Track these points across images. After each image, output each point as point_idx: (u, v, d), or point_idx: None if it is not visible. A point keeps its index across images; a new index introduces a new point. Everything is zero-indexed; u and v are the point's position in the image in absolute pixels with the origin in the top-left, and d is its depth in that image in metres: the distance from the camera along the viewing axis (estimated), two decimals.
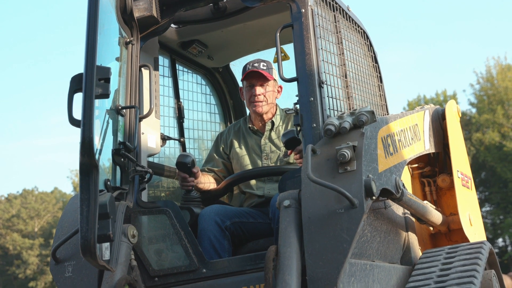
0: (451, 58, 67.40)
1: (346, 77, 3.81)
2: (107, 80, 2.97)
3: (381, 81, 4.55)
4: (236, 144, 4.53)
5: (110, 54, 3.72)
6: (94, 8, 2.97)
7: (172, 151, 4.72)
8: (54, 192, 51.94)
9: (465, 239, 4.68)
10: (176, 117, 4.88)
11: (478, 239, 4.83)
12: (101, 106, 3.50)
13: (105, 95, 2.98)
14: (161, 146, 4.30)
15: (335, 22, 3.90)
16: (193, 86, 5.11)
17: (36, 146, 76.30)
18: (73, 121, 3.01)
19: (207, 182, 4.39)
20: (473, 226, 4.84)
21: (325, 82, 3.56)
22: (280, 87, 4.51)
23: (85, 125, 2.83)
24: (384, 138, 3.53)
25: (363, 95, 4.06)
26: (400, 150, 3.76)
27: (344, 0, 4.14)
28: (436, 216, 4.41)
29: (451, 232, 4.92)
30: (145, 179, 3.77)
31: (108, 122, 3.61)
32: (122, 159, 3.70)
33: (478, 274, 3.62)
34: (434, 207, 4.58)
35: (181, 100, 4.92)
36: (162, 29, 4.02)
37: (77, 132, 2.87)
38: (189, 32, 4.64)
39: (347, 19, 4.11)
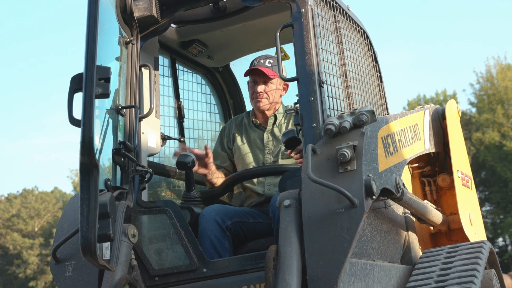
0: (451, 58, 67.45)
1: (346, 77, 3.81)
2: (107, 80, 2.97)
3: (381, 81, 4.55)
4: (238, 137, 4.54)
5: (110, 54, 3.72)
6: (94, 7, 2.97)
7: (172, 150, 4.72)
8: (54, 191, 51.94)
9: (465, 239, 4.68)
10: (176, 117, 4.88)
11: (478, 238, 4.83)
12: (101, 106, 3.50)
13: (105, 95, 2.98)
14: (161, 145, 4.30)
15: (335, 22, 3.90)
16: (193, 85, 5.11)
17: (36, 145, 76.35)
18: (73, 121, 3.01)
19: (220, 177, 4.43)
20: (473, 225, 4.84)
21: (325, 82, 3.56)
22: (286, 84, 4.49)
23: (85, 124, 2.82)
24: (384, 138, 3.53)
25: (363, 94, 4.06)
26: (400, 150, 3.76)
27: (344, 0, 4.14)
28: (436, 216, 4.41)
29: (451, 231, 4.92)
30: (145, 179, 3.77)
31: (108, 122, 3.61)
32: (122, 159, 3.70)
33: (479, 274, 3.62)
34: (434, 206, 4.58)
35: (181, 100, 4.93)
36: (162, 28, 4.02)
37: (77, 131, 2.87)
38: (189, 32, 4.64)
39: (347, 19, 4.11)
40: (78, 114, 2.92)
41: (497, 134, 33.13)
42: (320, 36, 3.64)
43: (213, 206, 4.04)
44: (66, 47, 74.02)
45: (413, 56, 72.50)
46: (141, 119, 3.90)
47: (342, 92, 3.75)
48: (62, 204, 48.77)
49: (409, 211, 4.13)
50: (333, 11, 3.91)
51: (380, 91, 4.49)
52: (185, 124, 4.93)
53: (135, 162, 3.72)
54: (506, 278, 7.98)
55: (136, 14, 3.89)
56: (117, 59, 3.84)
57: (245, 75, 4.45)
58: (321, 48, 3.61)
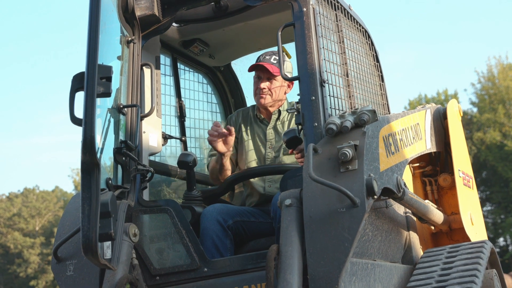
0: (452, 57, 67.42)
1: (347, 76, 3.81)
2: (109, 79, 2.97)
3: (382, 80, 4.54)
4: (243, 129, 4.52)
5: (111, 53, 3.73)
6: (95, 7, 2.97)
7: (173, 150, 4.73)
8: (55, 191, 51.96)
9: (466, 239, 4.67)
10: (177, 116, 4.88)
11: (479, 238, 4.82)
12: (103, 105, 3.50)
13: (107, 94, 2.98)
14: (163, 145, 4.31)
15: (337, 21, 3.90)
16: (194, 85, 5.12)
17: (37, 144, 76.37)
18: (75, 120, 3.01)
19: (231, 165, 4.41)
20: (474, 225, 4.84)
21: (327, 81, 3.56)
22: (292, 81, 4.45)
23: (87, 123, 2.83)
24: (386, 137, 3.53)
25: (365, 94, 4.05)
26: (401, 149, 3.76)
27: None
28: (437, 216, 4.41)
29: (452, 231, 4.91)
30: (147, 178, 3.77)
31: (109, 121, 3.62)
32: (123, 158, 3.70)
33: (479, 274, 3.62)
34: (436, 206, 4.58)
35: (182, 99, 4.93)
36: (163, 27, 4.02)
37: (78, 130, 2.87)
38: (190, 31, 4.64)
39: (348, 18, 4.11)
40: (79, 113, 2.92)
41: (498, 134, 33.12)
42: (322, 36, 3.63)
43: (214, 206, 4.04)
44: (67, 46, 74.09)
45: (415, 56, 72.52)
46: (142, 118, 3.90)
47: (344, 92, 3.75)
48: (63, 203, 48.79)
49: (410, 211, 4.13)
50: (335, 10, 3.91)
51: (381, 90, 4.49)
52: (187, 123, 4.93)
53: (136, 161, 3.72)
54: (507, 278, 7.97)
55: (138, 13, 3.89)
56: (119, 58, 3.84)
57: (249, 70, 4.43)
58: (323, 47, 3.61)
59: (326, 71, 3.58)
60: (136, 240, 3.51)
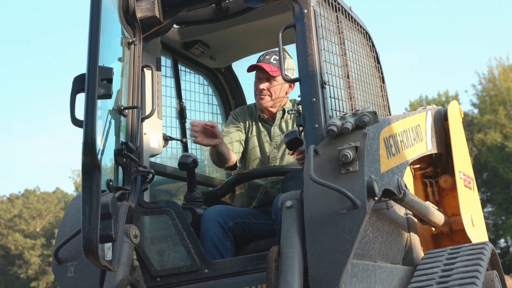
0: (453, 59, 67.42)
1: (348, 78, 3.81)
2: (110, 81, 2.97)
3: (383, 82, 4.54)
4: (248, 126, 4.48)
5: (112, 55, 3.73)
6: (96, 8, 2.97)
7: (174, 151, 4.73)
8: (56, 192, 51.97)
9: (467, 240, 4.67)
10: (178, 118, 4.88)
11: (480, 239, 4.82)
12: (104, 107, 3.50)
13: (108, 96, 2.98)
14: (163, 146, 4.30)
15: (338, 23, 3.90)
16: (195, 86, 5.11)
17: (38, 146, 76.40)
18: (76, 122, 3.01)
19: (228, 149, 4.26)
20: (475, 226, 4.84)
21: (327, 83, 3.56)
22: None
23: (88, 125, 2.83)
24: (387, 139, 3.53)
25: (365, 95, 4.05)
26: (402, 151, 3.76)
27: (347, 1, 4.14)
28: (438, 217, 4.41)
29: (453, 232, 4.91)
30: (147, 180, 3.77)
31: (110, 123, 3.62)
32: (124, 160, 3.70)
33: (480, 275, 3.62)
34: (436, 207, 4.58)
35: (183, 101, 4.92)
36: (164, 29, 4.03)
37: (79, 132, 2.88)
38: (191, 33, 4.64)
39: (349, 20, 4.11)
40: (80, 114, 2.92)
41: (499, 135, 33.10)
42: (323, 37, 3.63)
43: (215, 207, 4.04)
44: (68, 47, 74.13)
45: (415, 57, 72.51)
46: (143, 119, 3.90)
47: (344, 93, 3.75)
48: (64, 204, 48.80)
49: (411, 212, 4.13)
50: (336, 12, 3.91)
51: (382, 92, 4.49)
52: (187, 124, 4.92)
53: (137, 163, 3.72)
54: (508, 279, 7.96)
55: (139, 14, 3.89)
56: (120, 59, 3.84)
57: (248, 70, 4.41)
58: (323, 49, 3.61)
59: (327, 72, 3.58)
60: (136, 241, 3.51)
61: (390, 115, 4.45)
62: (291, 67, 4.40)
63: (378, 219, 3.68)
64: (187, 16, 4.30)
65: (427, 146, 4.41)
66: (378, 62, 4.53)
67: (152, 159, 4.17)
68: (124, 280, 3.29)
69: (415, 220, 4.31)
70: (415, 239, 4.21)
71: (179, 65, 4.89)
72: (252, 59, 5.12)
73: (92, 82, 2.88)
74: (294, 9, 3.64)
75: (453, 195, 4.90)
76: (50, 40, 76.36)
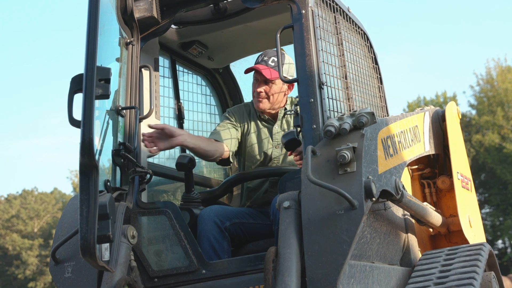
0: (451, 60, 67.49)
1: (346, 79, 3.81)
2: (107, 81, 2.97)
3: (381, 83, 4.54)
4: (246, 125, 4.42)
5: (110, 55, 3.72)
6: (94, 8, 2.97)
7: (172, 152, 4.72)
8: (53, 192, 51.94)
9: (465, 241, 4.67)
10: (176, 118, 4.88)
11: (477, 240, 4.82)
12: (101, 107, 3.50)
13: (105, 96, 2.98)
14: None
15: (336, 23, 3.90)
16: (193, 87, 5.11)
17: (36, 146, 76.35)
18: (73, 122, 3.01)
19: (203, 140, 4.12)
20: (473, 227, 4.84)
21: (325, 83, 3.55)
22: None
23: (85, 125, 2.83)
24: (384, 140, 3.53)
25: (363, 96, 4.05)
26: (400, 152, 3.76)
27: (345, 1, 4.14)
28: (435, 218, 4.41)
29: (450, 233, 4.91)
30: (145, 180, 3.77)
31: (108, 123, 3.61)
32: (122, 160, 3.70)
33: (478, 276, 3.62)
34: (434, 208, 4.58)
35: (181, 101, 4.92)
36: (162, 29, 4.02)
37: (77, 132, 2.88)
38: (189, 33, 4.64)
39: (347, 20, 4.11)
40: (78, 115, 2.92)
41: (497, 136, 33.13)
42: (321, 38, 3.63)
43: (212, 207, 4.03)
44: (66, 48, 74.08)
45: (413, 58, 72.58)
46: (141, 120, 3.89)
47: (342, 94, 3.75)
48: (62, 205, 48.75)
49: (408, 213, 4.13)
50: (334, 12, 3.91)
51: (380, 92, 4.49)
52: (185, 125, 4.92)
53: (134, 163, 3.72)
54: (505, 280, 7.97)
55: (137, 15, 3.89)
56: (117, 60, 3.84)
57: (245, 72, 4.37)
58: (321, 49, 3.61)
59: (324, 73, 3.58)
60: (134, 242, 3.51)
61: (388, 116, 4.45)
62: (291, 61, 4.31)
63: (375, 220, 3.68)
64: (185, 16, 4.30)
65: (425, 147, 4.41)
66: (376, 63, 4.53)
67: (150, 160, 4.16)
68: (121, 280, 3.29)
69: (413, 221, 4.31)
70: (412, 240, 4.21)
71: (177, 66, 4.89)
72: (250, 60, 5.12)
73: (90, 82, 2.87)
74: (292, 9, 3.64)
75: (451, 196, 4.90)
76: (48, 41, 76.33)
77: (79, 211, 2.84)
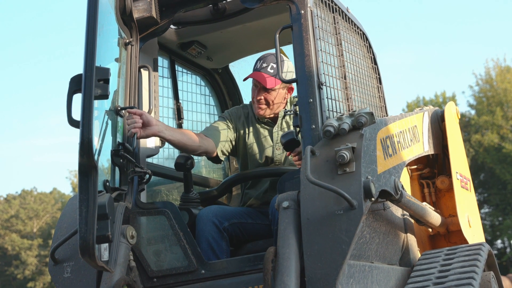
0: (450, 60, 67.53)
1: (345, 79, 3.81)
2: (106, 81, 2.97)
3: (380, 83, 4.54)
4: (245, 128, 4.39)
5: (109, 55, 3.72)
6: (93, 9, 2.97)
7: (171, 152, 4.72)
8: (53, 192, 51.93)
9: (464, 241, 4.67)
10: (175, 118, 4.88)
11: (477, 240, 4.82)
12: (100, 107, 3.50)
13: (104, 96, 2.98)
14: (160, 147, 4.29)
15: (335, 24, 3.90)
16: (192, 87, 5.11)
17: (35, 146, 76.33)
18: (72, 122, 3.01)
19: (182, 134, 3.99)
20: (472, 227, 4.84)
21: (324, 84, 3.56)
22: (292, 86, 4.30)
23: (84, 126, 2.83)
24: (383, 140, 3.53)
25: (362, 96, 4.05)
26: (399, 152, 3.76)
27: (344, 2, 4.14)
28: (435, 218, 4.41)
29: (450, 233, 4.91)
30: (144, 180, 3.77)
31: (107, 123, 3.61)
32: (121, 160, 3.70)
33: (477, 276, 3.62)
34: (433, 208, 4.58)
35: (180, 101, 4.92)
36: (161, 30, 4.02)
37: (76, 133, 2.88)
38: (188, 33, 4.64)
39: (346, 21, 4.11)
40: (77, 115, 2.92)
41: (496, 136, 33.12)
42: (320, 38, 3.63)
43: (210, 207, 4.03)
44: (65, 48, 74.07)
45: (413, 58, 72.61)
46: None
47: (341, 94, 3.75)
48: (61, 205, 48.74)
49: (407, 213, 4.13)
50: (333, 12, 3.91)
51: (379, 93, 4.49)
52: (184, 125, 4.92)
53: (134, 163, 3.72)
54: (504, 280, 7.98)
55: (136, 15, 3.88)
56: (116, 60, 3.84)
57: (244, 80, 4.35)
58: (320, 49, 3.61)
59: (324, 73, 3.58)
60: (133, 242, 3.51)
61: (387, 116, 4.45)
62: (291, 69, 4.28)
63: (375, 220, 3.68)
64: (184, 16, 4.30)
65: (424, 147, 4.41)
66: (375, 63, 4.53)
67: (149, 160, 4.16)
68: (120, 280, 3.29)
69: (412, 221, 4.31)
70: (411, 240, 4.21)
71: (176, 66, 4.89)
72: (249, 60, 5.12)
73: (89, 83, 2.87)
74: (291, 10, 3.64)
75: (450, 196, 4.90)
76: (47, 41, 76.31)
77: (78, 211, 2.84)
